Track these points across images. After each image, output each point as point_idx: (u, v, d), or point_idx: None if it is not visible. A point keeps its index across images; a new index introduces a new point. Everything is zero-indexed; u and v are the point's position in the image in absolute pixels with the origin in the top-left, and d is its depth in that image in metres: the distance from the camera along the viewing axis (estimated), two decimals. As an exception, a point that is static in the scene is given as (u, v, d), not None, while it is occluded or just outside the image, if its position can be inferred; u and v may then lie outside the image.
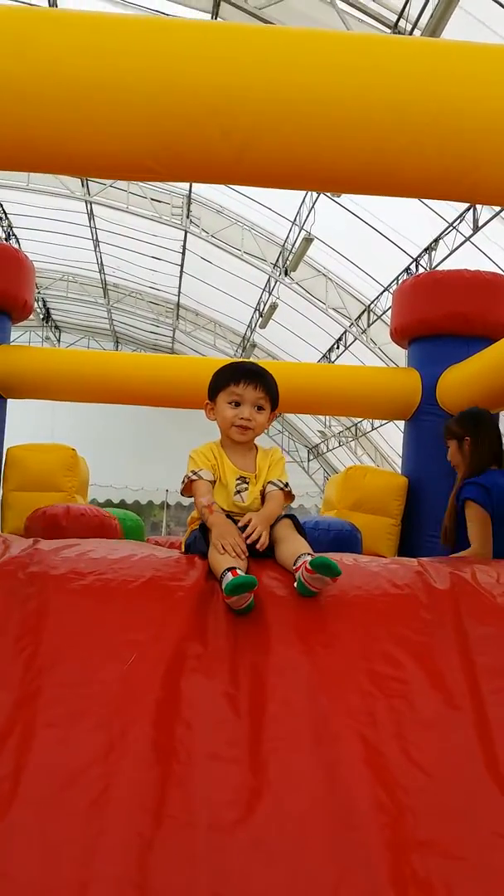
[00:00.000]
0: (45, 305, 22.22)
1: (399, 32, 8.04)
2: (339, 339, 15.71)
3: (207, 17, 9.76)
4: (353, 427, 18.57)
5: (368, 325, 14.26)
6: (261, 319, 16.28)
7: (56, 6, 10.11)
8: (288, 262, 13.58)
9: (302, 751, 1.63)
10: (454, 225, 10.58)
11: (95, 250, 18.16)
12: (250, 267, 15.40)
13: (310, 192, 11.81)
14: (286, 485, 2.37)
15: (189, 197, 14.68)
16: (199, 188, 14.17)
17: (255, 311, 17.40)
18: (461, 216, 10.36)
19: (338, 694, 1.75)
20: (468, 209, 10.15)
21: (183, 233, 15.84)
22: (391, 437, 15.66)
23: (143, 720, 1.64)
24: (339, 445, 20.36)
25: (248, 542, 2.12)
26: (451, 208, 10.37)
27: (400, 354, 10.42)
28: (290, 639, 1.87)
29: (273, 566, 2.16)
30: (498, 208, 9.48)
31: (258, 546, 2.12)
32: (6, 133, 2.37)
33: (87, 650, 1.79)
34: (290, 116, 2.36)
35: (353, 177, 2.56)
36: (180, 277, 18.49)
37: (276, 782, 1.57)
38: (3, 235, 16.29)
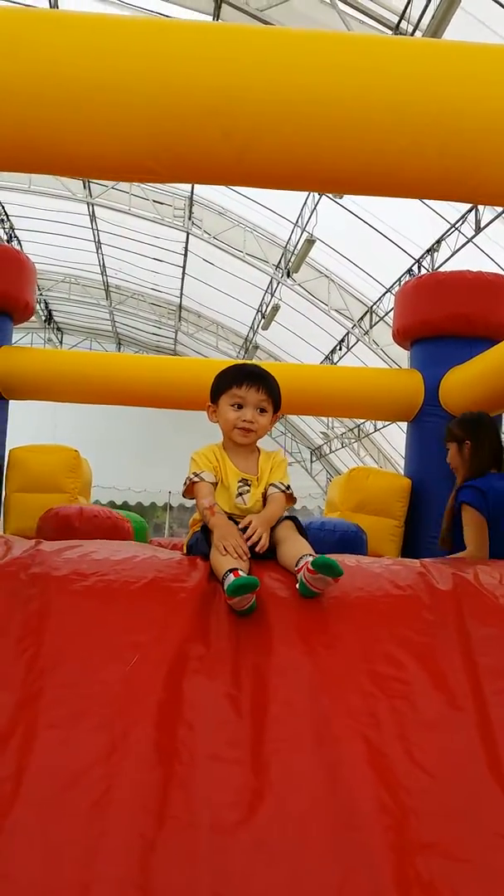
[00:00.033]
0: (47, 307, 22.23)
1: (400, 34, 8.03)
2: (342, 340, 15.71)
3: (209, 19, 9.76)
4: (355, 428, 18.56)
5: (371, 327, 14.25)
6: (263, 321, 16.28)
7: (56, 7, 10.12)
8: (290, 264, 13.58)
9: (304, 752, 1.63)
10: (456, 226, 10.57)
11: (97, 252, 18.18)
12: (252, 268, 15.40)
13: (311, 194, 11.81)
14: (288, 487, 2.37)
15: (191, 199, 14.70)
16: (200, 190, 14.18)
17: (257, 313, 17.40)
18: (463, 217, 10.35)
19: (340, 695, 1.75)
20: (470, 210, 10.14)
21: (185, 234, 15.85)
22: (394, 438, 15.64)
23: (145, 721, 1.64)
24: (342, 447, 20.34)
25: (249, 544, 2.12)
26: (454, 209, 10.36)
27: (402, 356, 10.42)
28: (292, 640, 1.86)
29: (275, 567, 2.16)
30: (500, 209, 9.46)
31: (257, 548, 2.12)
32: (7, 134, 2.37)
33: (89, 651, 1.79)
34: (291, 117, 2.36)
35: (353, 177, 2.56)
36: (182, 279, 18.49)
37: (277, 783, 1.56)
38: (5, 237, 16.31)
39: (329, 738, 1.65)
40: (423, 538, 5.39)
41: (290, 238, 13.77)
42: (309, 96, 2.35)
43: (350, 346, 15.40)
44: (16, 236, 16.96)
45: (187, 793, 1.53)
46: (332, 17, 8.30)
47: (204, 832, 1.48)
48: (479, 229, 10.13)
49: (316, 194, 11.67)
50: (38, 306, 18.67)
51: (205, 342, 20.89)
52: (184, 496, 2.40)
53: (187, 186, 14.14)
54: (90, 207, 15.80)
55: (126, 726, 1.63)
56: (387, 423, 14.40)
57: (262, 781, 1.56)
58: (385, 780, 1.59)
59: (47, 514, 4.82)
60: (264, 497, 2.34)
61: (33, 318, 6.81)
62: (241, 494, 2.33)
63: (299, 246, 12.59)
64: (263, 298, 16.55)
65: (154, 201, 15.10)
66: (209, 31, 2.51)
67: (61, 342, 24.20)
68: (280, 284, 15.13)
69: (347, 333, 15.28)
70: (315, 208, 12.03)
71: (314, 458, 23.21)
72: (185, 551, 2.40)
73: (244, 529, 2.16)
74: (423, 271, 11.36)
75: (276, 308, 15.05)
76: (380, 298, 13.53)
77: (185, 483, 2.36)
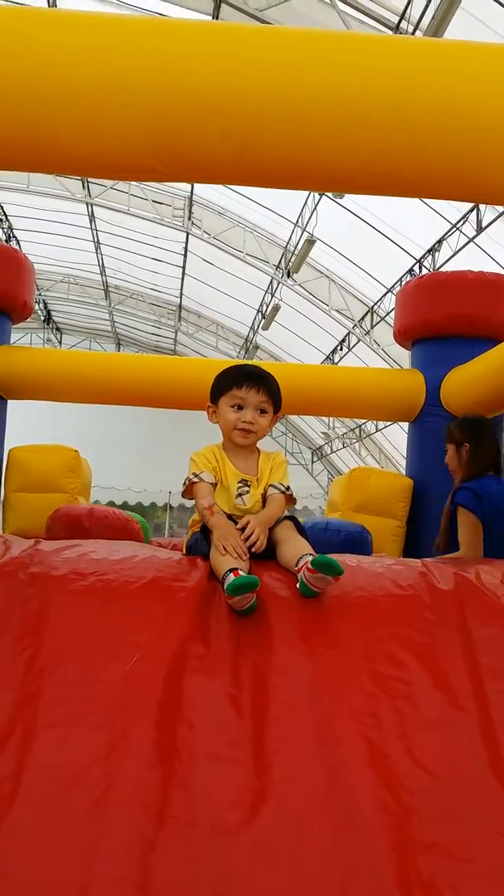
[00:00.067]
0: (46, 307, 22.22)
1: (401, 34, 8.03)
2: (343, 340, 15.70)
3: (208, 19, 9.76)
4: (357, 429, 18.55)
5: (372, 327, 14.25)
6: (263, 321, 16.28)
7: (55, 6, 10.11)
8: (290, 264, 13.57)
9: (305, 752, 1.62)
10: (457, 226, 10.56)
11: (96, 252, 18.17)
12: (252, 269, 15.39)
13: (312, 194, 11.80)
14: (287, 488, 2.36)
15: (190, 199, 14.69)
16: (200, 190, 14.18)
17: (257, 313, 17.40)
18: (464, 217, 10.34)
19: (341, 695, 1.74)
20: (471, 210, 10.13)
21: (184, 234, 15.84)
22: (395, 438, 15.63)
23: (144, 720, 1.63)
24: (343, 447, 20.34)
25: (246, 544, 2.11)
26: (455, 209, 10.35)
27: (404, 356, 10.40)
28: (292, 639, 1.86)
29: (275, 567, 2.16)
30: (502, 209, 9.46)
31: (255, 549, 2.12)
32: (6, 133, 2.36)
33: (89, 651, 1.79)
34: (290, 116, 2.36)
35: (353, 176, 2.56)
36: (182, 279, 18.49)
37: (279, 784, 1.56)
38: (4, 237, 16.31)
39: (330, 739, 1.64)
40: (424, 538, 5.37)
41: (290, 238, 13.77)
42: (308, 95, 2.35)
43: (351, 346, 15.39)
44: (14, 236, 16.96)
45: (187, 792, 1.53)
46: (332, 17, 8.30)
47: (204, 832, 1.47)
48: (480, 229, 10.12)
49: (316, 194, 11.66)
50: (37, 306, 18.63)
51: (205, 342, 20.88)
52: (183, 496, 2.39)
53: (187, 186, 14.14)
54: (89, 207, 15.79)
55: (126, 725, 1.62)
56: (388, 423, 14.40)
57: (264, 782, 1.56)
58: (386, 780, 1.59)
59: (57, 514, 4.70)
60: (264, 498, 2.34)
61: (32, 318, 6.82)
62: (240, 495, 2.33)
63: (299, 246, 12.59)
64: (263, 298, 16.54)
65: (153, 201, 15.09)
66: (208, 30, 2.51)
67: (60, 342, 24.19)
68: (280, 284, 15.13)
69: (348, 333, 15.28)
70: (315, 208, 12.02)
71: (315, 459, 23.20)
72: (184, 552, 2.39)
73: (242, 530, 2.15)
74: (425, 271, 11.35)
75: (276, 308, 15.03)
76: (381, 298, 13.52)
77: (185, 483, 2.36)
